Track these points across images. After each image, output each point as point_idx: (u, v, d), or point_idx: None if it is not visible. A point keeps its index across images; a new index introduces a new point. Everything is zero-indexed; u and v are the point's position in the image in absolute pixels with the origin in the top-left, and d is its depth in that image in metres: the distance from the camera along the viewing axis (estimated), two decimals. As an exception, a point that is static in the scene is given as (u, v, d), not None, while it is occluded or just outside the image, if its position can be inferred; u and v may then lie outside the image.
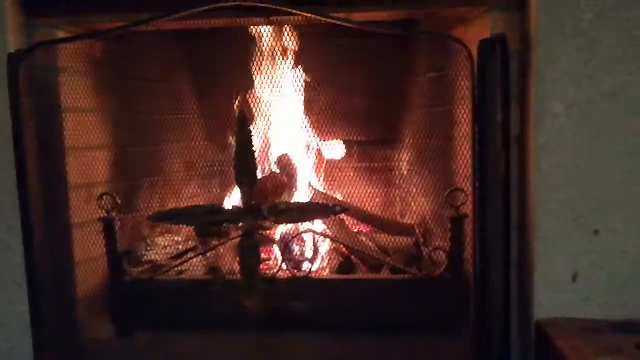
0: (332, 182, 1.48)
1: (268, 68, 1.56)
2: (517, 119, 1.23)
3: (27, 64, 1.24)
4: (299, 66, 1.55)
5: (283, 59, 1.56)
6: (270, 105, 1.55)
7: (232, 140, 1.24)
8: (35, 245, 1.26)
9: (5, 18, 1.25)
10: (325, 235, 1.45)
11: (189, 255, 1.47)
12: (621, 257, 1.18)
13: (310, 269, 1.31)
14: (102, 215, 1.30)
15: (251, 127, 1.20)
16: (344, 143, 1.72)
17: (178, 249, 1.57)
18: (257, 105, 1.53)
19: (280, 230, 1.49)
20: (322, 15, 1.18)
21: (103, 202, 1.30)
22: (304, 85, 1.55)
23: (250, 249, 1.20)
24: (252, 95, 1.56)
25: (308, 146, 1.59)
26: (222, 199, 1.60)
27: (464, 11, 1.32)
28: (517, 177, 1.24)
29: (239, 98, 1.55)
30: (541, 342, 1.16)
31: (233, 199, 1.56)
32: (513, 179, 1.20)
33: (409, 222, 1.62)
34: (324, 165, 1.59)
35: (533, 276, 1.19)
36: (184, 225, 1.57)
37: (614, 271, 1.18)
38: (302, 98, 1.55)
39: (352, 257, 1.48)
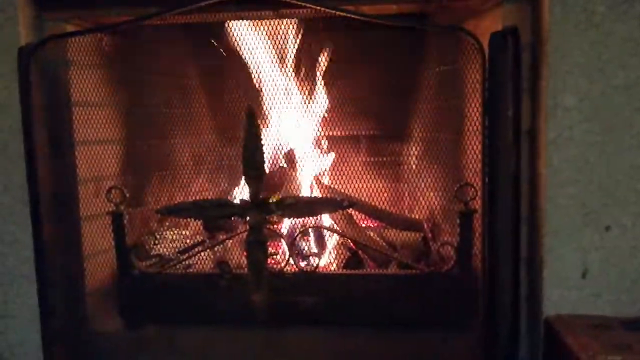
0: (340, 177, 1.47)
1: (277, 62, 1.55)
2: (528, 113, 1.22)
3: (37, 58, 1.25)
4: (308, 60, 1.54)
5: (292, 53, 1.55)
6: (279, 100, 1.54)
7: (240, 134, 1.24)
8: (45, 239, 1.27)
9: (16, 12, 1.26)
10: (333, 230, 1.44)
11: (197, 249, 1.47)
12: (632, 253, 1.17)
13: (318, 264, 1.31)
14: (111, 209, 1.30)
15: (259, 122, 1.20)
16: (352, 137, 1.71)
17: (186, 243, 1.57)
18: (266, 100, 1.53)
19: (288, 224, 1.49)
20: (331, 8, 1.17)
21: (112, 196, 1.30)
22: (313, 79, 1.54)
23: (258, 244, 1.21)
24: (260, 91, 1.55)
25: (317, 141, 1.59)
26: (231, 193, 1.60)
27: (476, 3, 1.31)
28: (527, 171, 1.23)
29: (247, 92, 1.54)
30: (550, 339, 1.15)
31: (241, 193, 1.56)
32: (523, 174, 1.19)
33: (417, 217, 1.61)
34: (332, 160, 1.58)
35: (542, 272, 1.18)
36: (192, 219, 1.57)
37: (625, 268, 1.17)
38: (311, 92, 1.55)
39: (360, 252, 1.48)
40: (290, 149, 1.58)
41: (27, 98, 1.23)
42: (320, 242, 1.49)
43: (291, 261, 1.28)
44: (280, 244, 1.50)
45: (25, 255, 1.30)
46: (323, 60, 1.52)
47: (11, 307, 1.33)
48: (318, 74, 1.55)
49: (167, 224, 1.63)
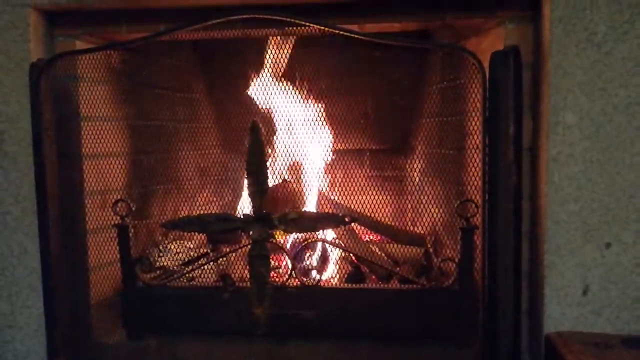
0: (343, 191, 1.48)
1: (282, 78, 1.58)
2: (529, 131, 1.23)
3: (48, 73, 1.27)
4: (312, 76, 1.56)
5: (297, 69, 1.57)
6: (283, 115, 1.56)
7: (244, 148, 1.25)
8: (52, 250, 1.28)
9: (28, 28, 1.29)
10: (335, 245, 1.45)
11: (200, 262, 1.48)
12: (633, 270, 1.17)
13: (320, 277, 1.32)
14: (116, 222, 1.32)
15: (263, 136, 1.22)
16: (356, 152, 1.73)
17: (190, 255, 1.58)
18: (270, 115, 1.55)
19: (291, 238, 1.50)
20: (335, 28, 1.19)
21: (118, 209, 1.32)
22: (316, 94, 1.56)
23: (261, 257, 1.22)
24: (265, 105, 1.57)
25: (320, 155, 1.60)
26: (235, 207, 1.62)
27: (478, 22, 1.33)
28: (528, 188, 1.24)
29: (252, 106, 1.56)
30: (551, 356, 1.15)
31: (245, 207, 1.58)
32: (524, 191, 1.20)
33: (419, 232, 1.62)
34: (335, 174, 1.60)
35: (543, 289, 1.19)
36: (196, 233, 1.59)
37: (625, 285, 1.17)
38: (315, 107, 1.57)
39: (362, 266, 1.49)
40: (294, 164, 1.59)
41: (37, 112, 1.26)
42: (323, 256, 1.49)
43: (293, 275, 1.29)
44: (283, 257, 1.51)
45: (32, 266, 1.32)
46: (325, 75, 1.54)
47: (18, 317, 1.35)
48: (321, 89, 1.56)
49: (171, 236, 1.65)
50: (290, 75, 1.57)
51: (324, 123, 1.58)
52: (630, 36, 1.15)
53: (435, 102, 1.43)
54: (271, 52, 1.55)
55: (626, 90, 1.16)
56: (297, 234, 1.42)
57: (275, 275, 1.45)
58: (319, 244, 1.48)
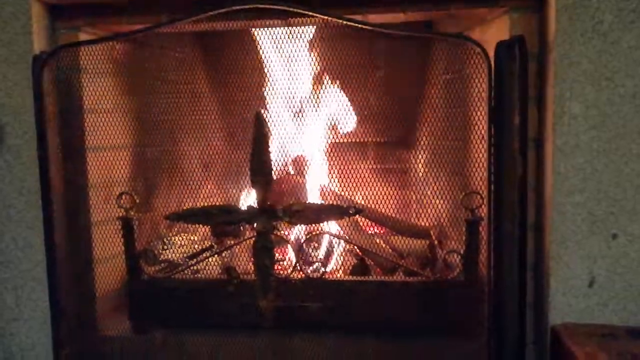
0: (348, 184, 1.48)
1: (286, 69, 1.57)
2: (535, 121, 1.22)
3: (50, 66, 1.27)
4: (316, 67, 1.56)
5: (301, 60, 1.56)
6: (287, 107, 1.56)
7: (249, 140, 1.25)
8: (56, 243, 1.29)
9: (30, 20, 1.29)
10: (339, 237, 1.45)
11: (204, 255, 1.48)
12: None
13: (324, 270, 1.31)
14: (121, 214, 1.32)
15: (267, 129, 1.21)
16: (360, 144, 1.72)
17: (194, 248, 1.58)
18: (274, 107, 1.54)
19: (295, 231, 1.50)
20: (339, 18, 1.19)
21: (122, 201, 1.32)
22: (320, 86, 1.55)
23: (265, 250, 1.22)
24: (269, 97, 1.57)
25: (324, 147, 1.60)
26: (239, 199, 1.62)
27: (483, 12, 1.32)
28: (534, 179, 1.23)
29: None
30: (556, 347, 1.14)
31: (249, 199, 1.57)
32: (530, 182, 1.19)
33: (424, 224, 1.61)
34: (339, 166, 1.59)
35: (549, 281, 1.18)
36: (201, 225, 1.58)
37: (632, 277, 1.17)
38: (319, 99, 1.56)
39: (367, 259, 1.48)
40: (298, 156, 1.59)
41: (40, 105, 1.25)
42: (327, 249, 1.49)
43: (298, 267, 1.29)
44: (287, 250, 1.51)
45: (37, 259, 1.33)
46: (329, 67, 1.53)
47: (23, 310, 1.35)
48: (325, 80, 1.56)
49: (175, 229, 1.65)
50: (294, 67, 1.56)
51: (328, 115, 1.58)
52: (637, 25, 1.14)
53: (439, 93, 1.42)
54: (274, 43, 1.54)
55: (632, 80, 1.15)
56: (301, 226, 1.41)
57: (279, 267, 1.44)
58: (323, 237, 1.48)
